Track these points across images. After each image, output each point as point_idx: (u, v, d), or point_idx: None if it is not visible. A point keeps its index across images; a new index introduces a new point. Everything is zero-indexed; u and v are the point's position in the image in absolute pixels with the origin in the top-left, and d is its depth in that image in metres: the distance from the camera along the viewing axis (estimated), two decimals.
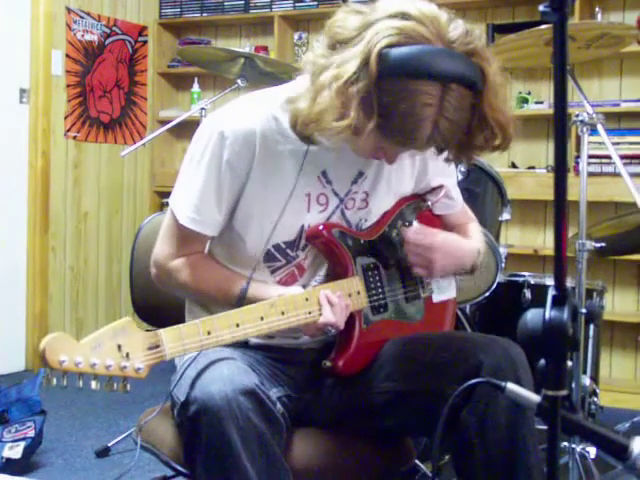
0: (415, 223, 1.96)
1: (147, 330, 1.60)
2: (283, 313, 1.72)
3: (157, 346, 1.57)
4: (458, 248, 2.00)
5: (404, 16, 1.54)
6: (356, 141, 1.65)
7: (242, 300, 1.78)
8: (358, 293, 1.86)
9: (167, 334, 1.59)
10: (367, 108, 1.54)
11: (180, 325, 1.61)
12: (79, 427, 3.90)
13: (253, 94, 1.88)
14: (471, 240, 2.08)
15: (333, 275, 1.89)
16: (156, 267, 1.93)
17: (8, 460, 3.18)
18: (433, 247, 1.91)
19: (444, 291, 2.08)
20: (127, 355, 1.53)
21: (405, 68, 1.52)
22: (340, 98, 1.54)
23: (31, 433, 3.29)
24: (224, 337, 1.65)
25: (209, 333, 1.63)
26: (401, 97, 1.53)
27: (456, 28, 1.58)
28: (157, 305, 2.28)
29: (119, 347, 1.53)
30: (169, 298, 2.08)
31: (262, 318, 1.70)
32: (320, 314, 1.75)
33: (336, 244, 1.86)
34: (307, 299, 1.76)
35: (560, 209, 1.10)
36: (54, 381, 1.50)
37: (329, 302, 1.76)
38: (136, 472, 3.17)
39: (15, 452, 3.21)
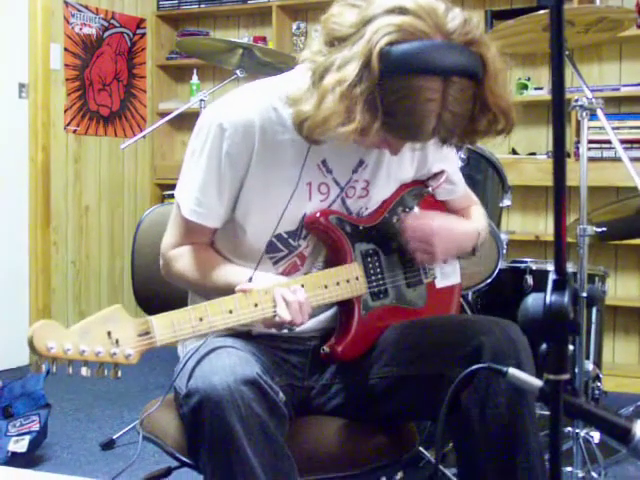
0: (414, 209, 1.97)
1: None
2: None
3: (147, 332, 1.57)
4: (458, 230, 2.01)
5: (401, 10, 1.53)
6: (362, 140, 1.65)
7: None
8: (357, 279, 1.86)
9: (158, 320, 1.58)
10: (371, 109, 1.53)
11: (171, 312, 1.61)
12: (84, 420, 3.91)
13: (251, 85, 1.87)
14: (471, 221, 2.08)
15: (332, 262, 1.89)
16: (161, 257, 1.96)
17: (14, 454, 3.20)
18: (432, 231, 1.91)
19: (448, 277, 2.08)
20: (117, 342, 1.53)
21: (406, 65, 1.51)
22: (344, 102, 1.53)
23: (36, 427, 3.30)
24: (217, 323, 1.65)
25: (201, 319, 1.63)
26: (404, 94, 1.53)
27: (454, 18, 1.57)
28: (160, 298, 2.28)
29: (109, 334, 1.52)
30: (172, 291, 2.08)
31: (256, 305, 1.70)
32: (274, 311, 1.72)
33: (334, 230, 1.86)
34: (266, 293, 1.72)
35: (559, 194, 1.10)
36: (43, 368, 1.50)
37: (284, 300, 1.72)
38: (141, 464, 3.17)
39: (20, 446, 3.22)
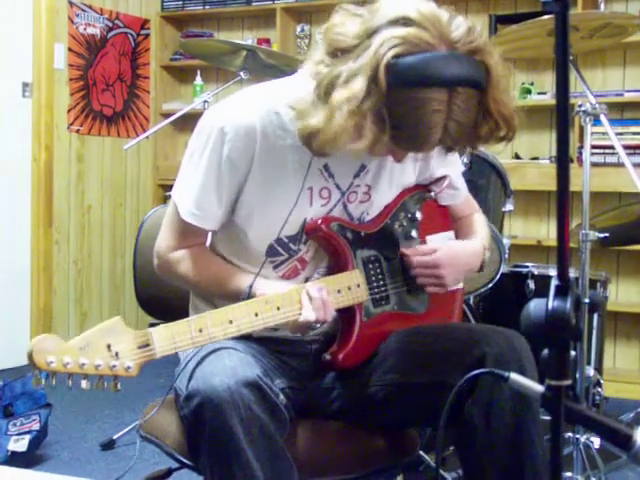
0: (414, 236, 1.97)
1: (151, 324, 1.60)
2: (279, 308, 1.73)
3: (147, 345, 1.57)
4: (464, 255, 2.00)
5: (405, 21, 1.53)
6: (371, 152, 1.64)
7: (248, 297, 1.78)
8: (358, 286, 1.86)
9: (157, 333, 1.59)
10: (379, 122, 1.54)
11: (170, 323, 1.61)
12: (84, 420, 3.92)
13: (253, 88, 1.87)
14: (475, 239, 2.07)
15: (334, 269, 1.89)
16: (157, 257, 1.95)
17: (14, 453, 3.20)
18: (439, 264, 1.91)
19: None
20: (116, 354, 1.53)
21: (412, 78, 1.51)
22: (353, 119, 1.53)
23: (36, 426, 3.30)
24: (216, 334, 1.65)
25: (200, 331, 1.63)
26: (410, 106, 1.53)
27: (458, 27, 1.57)
28: (161, 298, 2.29)
29: (108, 346, 1.53)
30: (173, 291, 2.08)
31: (257, 314, 1.70)
32: (300, 312, 1.75)
33: (335, 238, 1.86)
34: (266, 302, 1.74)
35: (562, 199, 1.10)
36: (43, 381, 1.51)
37: (308, 296, 1.75)
38: (141, 464, 3.18)
39: (20, 445, 3.22)
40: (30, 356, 1.48)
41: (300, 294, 1.75)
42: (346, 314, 1.87)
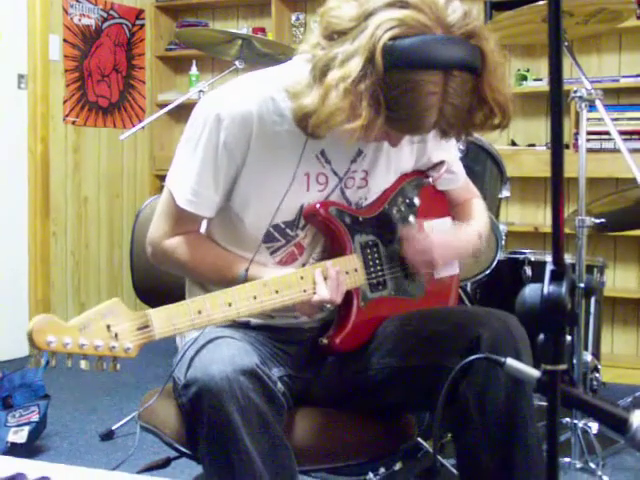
0: (411, 221, 1.97)
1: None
2: (277, 292, 1.73)
3: (146, 326, 1.58)
4: (457, 239, 2.00)
5: (402, 4, 1.53)
6: (366, 136, 1.64)
7: (243, 282, 1.78)
8: (355, 271, 1.86)
9: (156, 314, 1.59)
10: (375, 104, 1.54)
11: (170, 305, 1.61)
12: (83, 411, 3.92)
13: (248, 75, 1.87)
14: (470, 224, 2.07)
15: (331, 253, 1.89)
16: (151, 245, 1.94)
17: (13, 444, 3.20)
18: (432, 246, 1.91)
19: (446, 268, 2.08)
20: (116, 335, 1.53)
21: (409, 60, 1.51)
22: (348, 98, 1.53)
23: (35, 417, 3.30)
24: (216, 316, 1.65)
25: (200, 312, 1.63)
26: (406, 88, 1.53)
27: (454, 11, 1.57)
28: (158, 287, 2.29)
29: (108, 327, 1.53)
30: (170, 280, 2.08)
31: (255, 297, 1.70)
32: (314, 292, 1.76)
33: (333, 222, 1.86)
34: (302, 277, 1.76)
35: (557, 185, 1.10)
36: (42, 361, 1.51)
37: (325, 276, 1.77)
38: (140, 454, 3.18)
39: (20, 436, 3.23)
40: (30, 336, 1.48)
41: (297, 277, 1.76)
42: (343, 298, 1.87)
